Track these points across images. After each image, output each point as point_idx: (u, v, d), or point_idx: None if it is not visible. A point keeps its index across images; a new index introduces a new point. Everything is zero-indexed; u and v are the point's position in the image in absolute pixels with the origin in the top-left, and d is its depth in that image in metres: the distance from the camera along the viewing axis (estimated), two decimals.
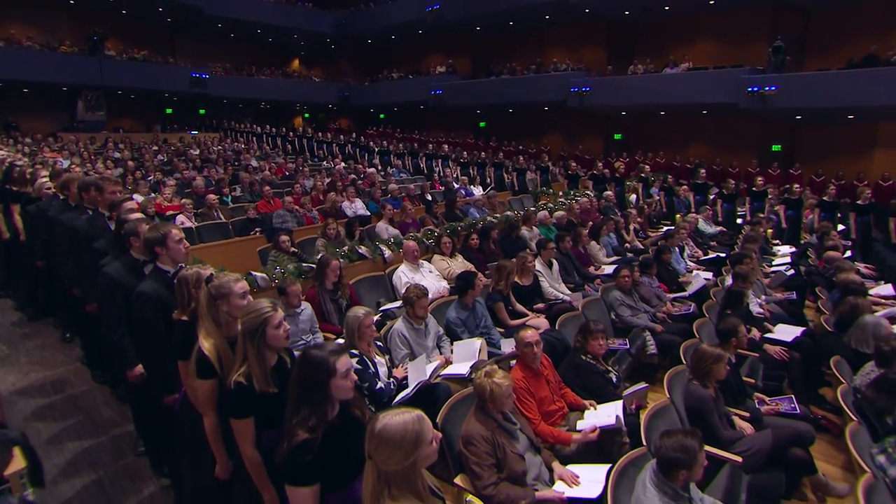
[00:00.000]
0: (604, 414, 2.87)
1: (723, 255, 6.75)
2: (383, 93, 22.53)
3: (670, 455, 1.98)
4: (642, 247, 7.13)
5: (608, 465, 2.41)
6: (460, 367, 3.36)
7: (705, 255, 7.00)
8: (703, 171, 10.30)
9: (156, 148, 14.71)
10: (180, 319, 2.32)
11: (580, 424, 2.87)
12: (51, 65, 16.28)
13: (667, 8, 15.05)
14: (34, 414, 3.68)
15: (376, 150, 15.18)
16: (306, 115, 25.69)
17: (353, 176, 10.58)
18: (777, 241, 8.17)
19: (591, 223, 7.15)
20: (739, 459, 2.69)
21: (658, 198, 9.96)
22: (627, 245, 7.10)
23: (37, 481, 2.56)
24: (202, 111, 22.02)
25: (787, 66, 12.78)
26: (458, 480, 2.51)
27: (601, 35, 17.34)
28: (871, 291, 4.89)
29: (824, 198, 8.62)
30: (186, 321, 2.28)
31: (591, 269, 5.99)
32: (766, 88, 12.39)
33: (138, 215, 3.10)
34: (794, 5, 13.87)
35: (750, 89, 12.60)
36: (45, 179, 4.99)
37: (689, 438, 2.01)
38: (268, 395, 1.93)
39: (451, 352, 3.62)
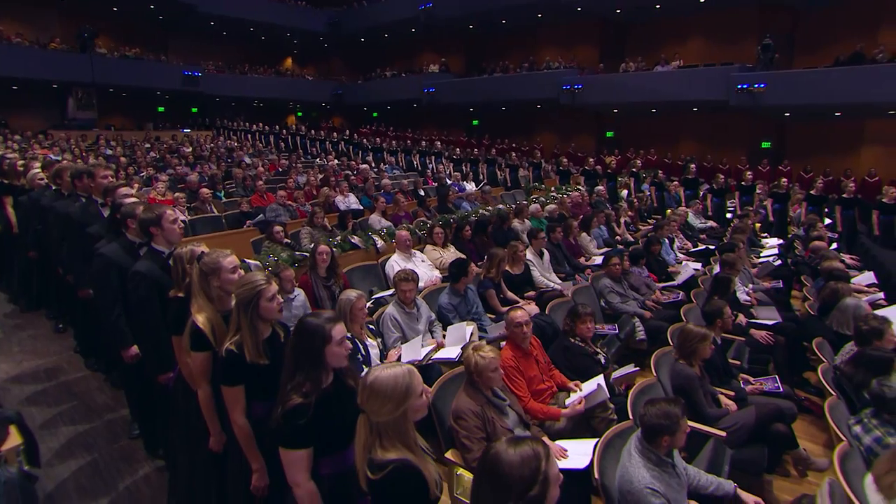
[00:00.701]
0: (587, 388, 2.94)
1: (712, 247, 6.86)
2: (376, 91, 22.56)
3: (654, 421, 2.05)
4: (632, 239, 7.22)
5: (595, 440, 2.47)
6: (451, 352, 3.41)
7: (695, 247, 7.10)
8: (693, 166, 10.42)
9: (148, 145, 14.66)
10: (176, 296, 2.36)
11: (567, 402, 2.94)
12: (41, 62, 16.17)
13: (658, 7, 15.22)
14: (28, 399, 3.70)
15: (369, 147, 15.22)
16: (299, 114, 25.67)
17: (346, 172, 10.61)
18: (765, 235, 8.30)
19: (581, 216, 7.23)
20: (723, 434, 2.76)
21: (649, 193, 10.07)
22: (618, 238, 7.18)
23: (32, 460, 2.59)
24: (195, 109, 21.95)
25: (775, 64, 12.97)
26: (448, 455, 2.57)
27: (593, 33, 17.49)
28: (854, 280, 5.00)
29: (811, 192, 8.77)
30: (181, 298, 2.32)
31: (582, 259, 6.06)
32: (756, 86, 12.57)
33: (134, 199, 3.13)
34: (783, 4, 14.06)
35: (740, 87, 12.77)
36: (37, 170, 5.00)
37: (672, 406, 2.08)
38: (259, 365, 1.98)
39: (443, 336, 3.67)
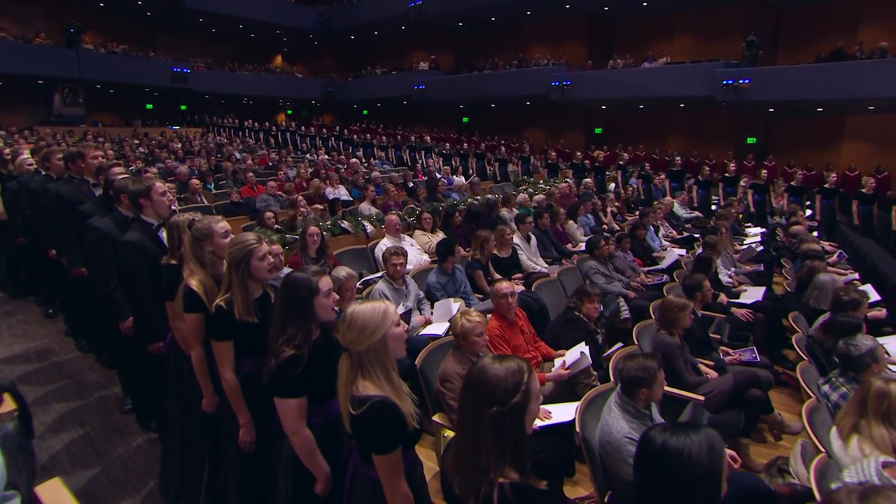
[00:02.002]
0: (571, 356, 3.03)
1: (696, 235, 7.00)
2: (367, 89, 22.57)
3: (632, 374, 2.14)
4: (619, 228, 7.34)
5: (578, 403, 2.56)
6: (438, 328, 3.49)
7: (680, 235, 7.25)
8: (679, 158, 10.60)
9: (137, 141, 14.56)
10: (169, 263, 2.41)
11: (553, 369, 3.03)
12: (26, 57, 15.91)
13: (645, 4, 15.43)
14: (19, 379, 3.71)
15: (359, 143, 15.26)
16: (289, 112, 25.60)
17: (336, 165, 10.66)
18: (749, 224, 8.49)
19: (569, 206, 7.33)
20: (702, 398, 2.87)
21: (636, 186, 10.23)
22: (605, 226, 7.30)
23: (26, 427, 2.62)
24: (183, 107, 21.81)
25: (760, 61, 13.21)
26: (436, 418, 2.65)
27: (581, 30, 17.67)
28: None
29: (792, 183, 9.00)
30: (175, 264, 2.38)
31: (569, 246, 6.17)
32: (741, 81, 12.77)
33: (126, 175, 3.17)
34: (767, 2, 14.33)
35: (725, 82, 12.97)
36: (26, 156, 5.00)
37: (649, 360, 2.17)
38: (248, 323, 2.03)
39: (431, 313, 3.75)
